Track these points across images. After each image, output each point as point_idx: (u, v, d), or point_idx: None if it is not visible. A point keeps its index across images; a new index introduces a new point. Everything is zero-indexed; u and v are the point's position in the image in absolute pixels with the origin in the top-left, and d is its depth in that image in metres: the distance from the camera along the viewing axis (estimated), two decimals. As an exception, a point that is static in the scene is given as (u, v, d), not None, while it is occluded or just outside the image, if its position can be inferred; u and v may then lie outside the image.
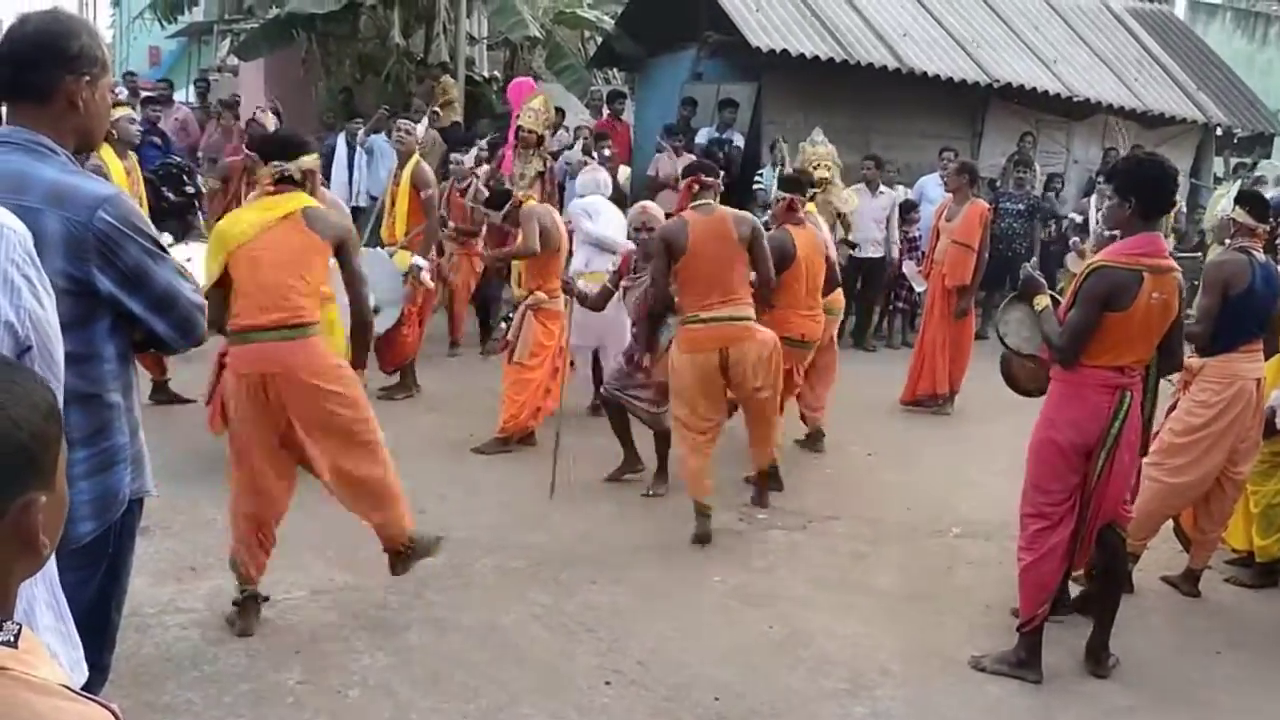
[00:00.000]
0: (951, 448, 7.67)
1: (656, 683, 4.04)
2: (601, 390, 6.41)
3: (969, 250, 8.43)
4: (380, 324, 7.26)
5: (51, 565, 1.84)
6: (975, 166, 9.42)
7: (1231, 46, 18.82)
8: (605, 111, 13.20)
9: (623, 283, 6.34)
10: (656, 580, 5.02)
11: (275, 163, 4.35)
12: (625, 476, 6.36)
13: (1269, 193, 7.82)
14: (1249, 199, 5.29)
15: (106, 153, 6.93)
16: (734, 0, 12.47)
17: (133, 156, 7.53)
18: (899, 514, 6.15)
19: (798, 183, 6.82)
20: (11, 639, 1.19)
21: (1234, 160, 15.61)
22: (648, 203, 6.67)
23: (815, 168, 8.59)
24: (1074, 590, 4.80)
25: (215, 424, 4.44)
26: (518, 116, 10.78)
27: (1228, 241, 5.29)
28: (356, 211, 12.05)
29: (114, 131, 6.96)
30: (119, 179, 6.93)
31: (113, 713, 1.23)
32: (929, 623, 4.76)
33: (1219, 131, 14.97)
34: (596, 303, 6.44)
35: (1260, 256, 5.05)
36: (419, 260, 7.65)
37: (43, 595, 1.83)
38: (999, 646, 4.41)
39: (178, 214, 10.11)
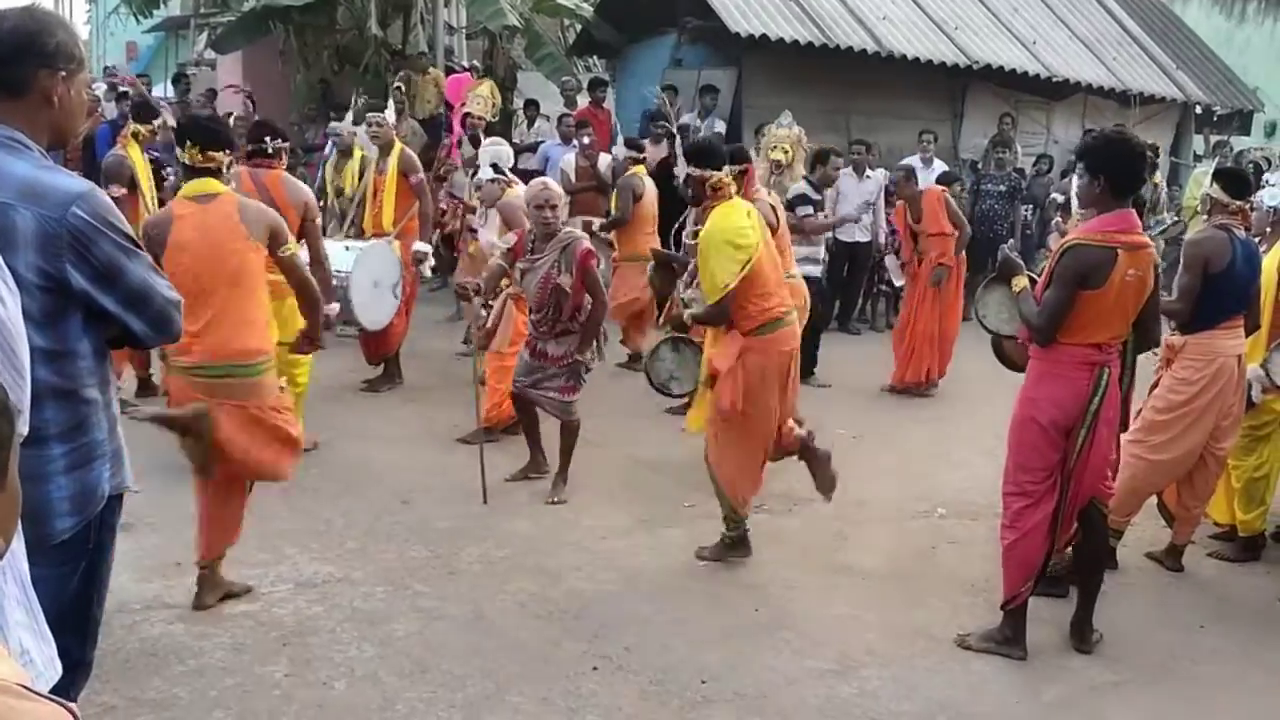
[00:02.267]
0: (936, 429, 7.70)
1: (643, 667, 4.05)
2: (512, 387, 6.01)
3: (948, 237, 8.55)
4: (383, 316, 7.24)
5: (22, 561, 1.83)
6: (913, 169, 9.36)
7: (1210, 24, 18.85)
8: (585, 100, 13.15)
9: (519, 265, 5.89)
10: (641, 565, 5.03)
11: (713, 170, 4.99)
12: (530, 476, 6.05)
13: (1273, 177, 7.84)
14: (1225, 175, 5.31)
15: (133, 149, 6.99)
16: (713, -15, 12.44)
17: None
18: (884, 495, 6.18)
19: (744, 154, 6.79)
20: None
21: (1214, 138, 15.66)
22: (548, 179, 6.32)
23: (772, 149, 8.58)
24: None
25: (731, 406, 4.91)
26: (463, 105, 10.78)
27: (1205, 219, 5.31)
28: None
29: (142, 131, 7.10)
30: (144, 177, 6.98)
31: (71, 712, 1.22)
32: (914, 602, 4.78)
33: (1198, 109, 15.02)
34: (489, 285, 6.09)
35: (1241, 234, 5.07)
36: (423, 246, 7.65)
37: (13, 591, 1.81)
38: (984, 625, 4.43)
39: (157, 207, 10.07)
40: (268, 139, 5.96)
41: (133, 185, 6.94)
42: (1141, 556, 5.39)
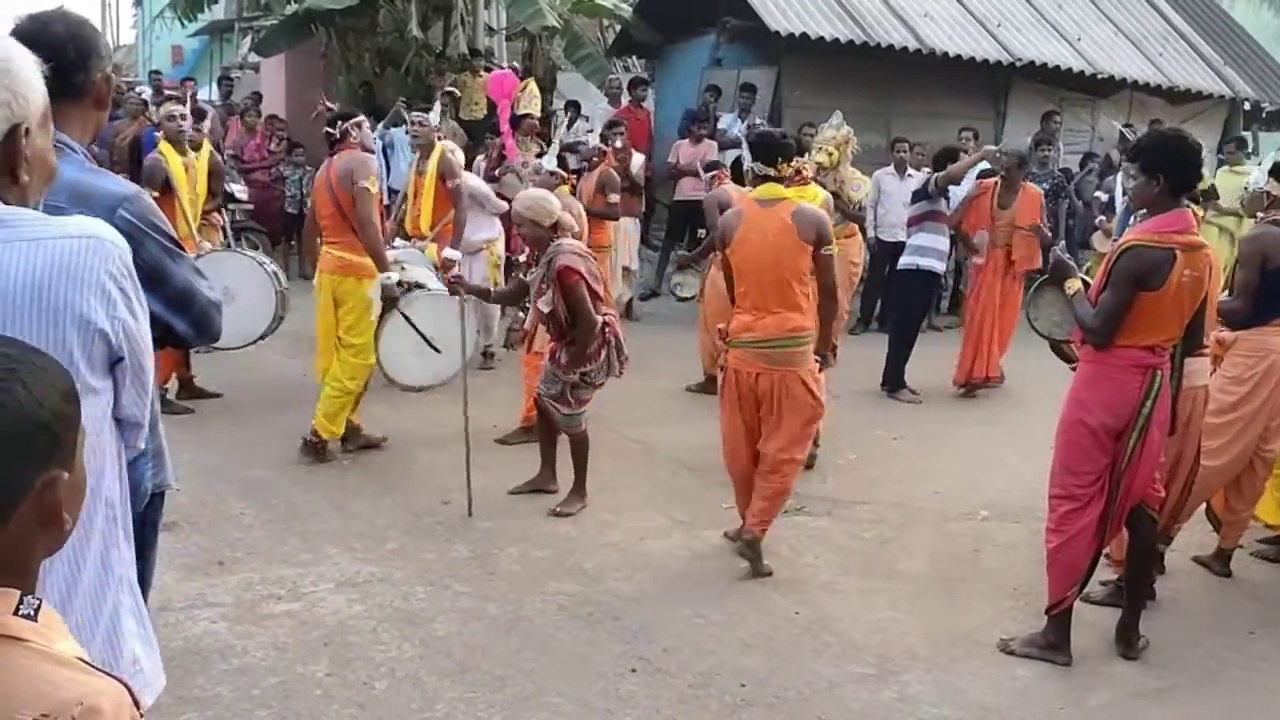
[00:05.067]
0: (978, 430, 7.62)
1: (682, 670, 4.04)
2: (537, 396, 5.81)
3: (1032, 235, 8.44)
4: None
5: (133, 573, 1.89)
6: (1026, 156, 9.30)
7: (1259, 19, 18.58)
8: (624, 99, 13.15)
9: (530, 276, 5.74)
10: (682, 568, 5.02)
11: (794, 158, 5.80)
12: (537, 490, 5.81)
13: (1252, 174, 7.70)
14: None
15: (165, 148, 7.03)
16: (752, -16, 12.41)
17: (192, 154, 7.52)
18: (926, 498, 6.12)
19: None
20: (32, 613, 1.23)
21: (1261, 135, 15.37)
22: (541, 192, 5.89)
23: (816, 151, 8.56)
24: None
25: None
26: (511, 105, 10.82)
27: (1260, 215, 5.21)
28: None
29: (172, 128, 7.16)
30: (179, 177, 7.01)
31: (125, 685, 1.25)
32: (957, 606, 4.73)
33: (1246, 106, 14.76)
34: (508, 298, 6.09)
35: None
36: (453, 253, 7.62)
37: (127, 602, 1.87)
38: (1028, 629, 4.38)
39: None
40: (333, 125, 6.30)
41: (167, 187, 6.98)
42: (1189, 561, 5.30)
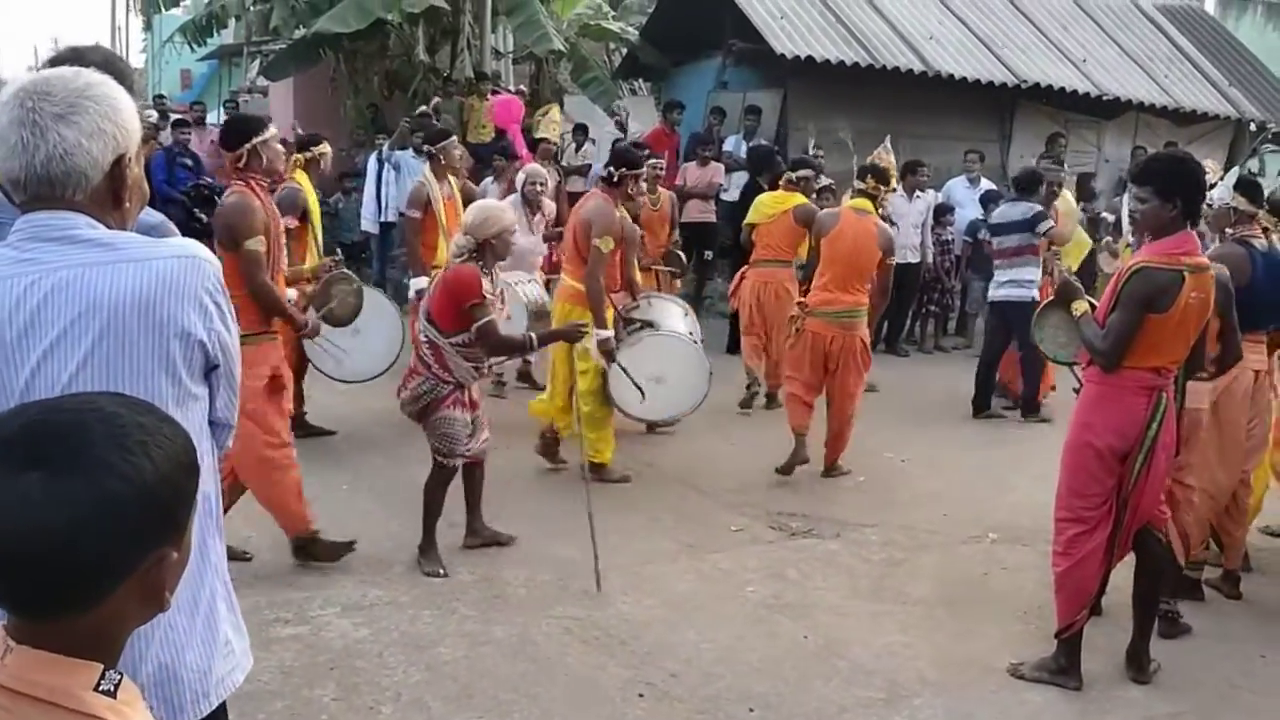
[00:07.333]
0: (986, 453, 7.60)
1: (690, 694, 4.02)
2: (466, 460, 5.36)
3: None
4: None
5: (224, 560, 2.07)
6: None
7: (1264, 41, 18.57)
8: (635, 120, 13.16)
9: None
10: (689, 591, 5.00)
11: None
12: (500, 541, 5.45)
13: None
14: (1246, 186, 5.24)
15: (302, 178, 6.89)
16: (758, 8, 12.47)
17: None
18: (934, 521, 6.10)
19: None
20: (112, 688, 1.21)
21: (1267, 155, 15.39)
22: (504, 203, 5.83)
23: (894, 178, 8.61)
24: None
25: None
26: (524, 130, 10.84)
27: (1229, 232, 5.22)
28: (387, 227, 12.16)
29: (321, 162, 7.07)
30: (314, 205, 6.93)
31: None
32: (966, 630, 4.71)
33: (1253, 127, 14.78)
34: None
35: (1260, 244, 5.00)
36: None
37: (221, 591, 2.03)
38: (1038, 653, 4.35)
39: (210, 235, 10.23)
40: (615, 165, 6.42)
41: (304, 216, 6.83)
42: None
